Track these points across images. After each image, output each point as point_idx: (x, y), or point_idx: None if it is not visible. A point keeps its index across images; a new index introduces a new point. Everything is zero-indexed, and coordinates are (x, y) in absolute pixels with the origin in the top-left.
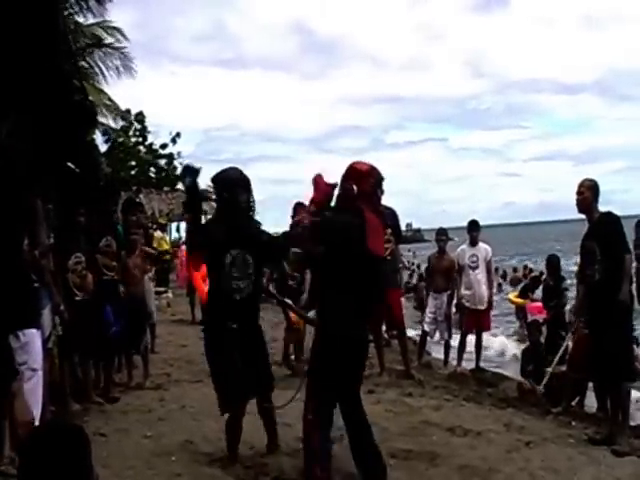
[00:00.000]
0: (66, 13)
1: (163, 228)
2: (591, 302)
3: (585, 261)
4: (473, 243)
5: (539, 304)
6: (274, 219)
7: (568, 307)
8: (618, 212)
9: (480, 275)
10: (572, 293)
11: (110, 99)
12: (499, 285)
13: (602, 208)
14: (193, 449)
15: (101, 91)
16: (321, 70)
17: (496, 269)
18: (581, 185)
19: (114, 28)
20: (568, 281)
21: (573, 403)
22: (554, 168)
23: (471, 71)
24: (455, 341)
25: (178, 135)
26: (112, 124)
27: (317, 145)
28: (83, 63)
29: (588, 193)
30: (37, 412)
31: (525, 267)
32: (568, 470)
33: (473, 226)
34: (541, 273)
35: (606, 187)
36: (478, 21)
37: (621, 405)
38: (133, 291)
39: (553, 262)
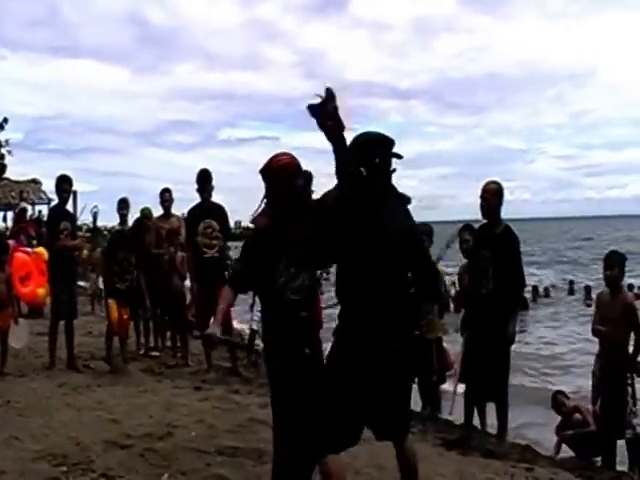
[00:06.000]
0: None
1: None
2: (479, 315)
3: (477, 272)
4: None
5: None
6: (103, 211)
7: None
8: (444, 217)
9: None
10: None
11: None
12: None
13: (430, 213)
14: (19, 445)
15: None
16: (154, 63)
17: None
18: (485, 190)
19: None
20: None
21: None
22: None
23: (305, 71)
24: None
25: (5, 121)
26: None
27: (148, 139)
28: None
29: (493, 199)
30: None
31: None
32: (394, 467)
33: None
34: None
35: (433, 192)
36: (314, 22)
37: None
38: None
39: None
